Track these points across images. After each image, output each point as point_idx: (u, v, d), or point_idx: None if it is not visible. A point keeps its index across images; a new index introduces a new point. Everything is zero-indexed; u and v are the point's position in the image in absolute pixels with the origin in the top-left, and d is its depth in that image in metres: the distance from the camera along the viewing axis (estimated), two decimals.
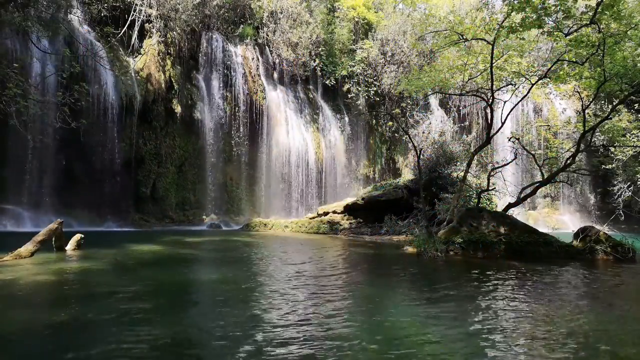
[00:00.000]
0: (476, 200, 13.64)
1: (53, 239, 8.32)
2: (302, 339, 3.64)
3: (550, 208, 27.34)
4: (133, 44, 19.24)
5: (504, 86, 13.42)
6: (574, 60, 11.41)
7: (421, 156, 13.82)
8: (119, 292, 5.30)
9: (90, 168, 17.04)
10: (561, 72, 12.24)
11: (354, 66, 25.96)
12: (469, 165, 13.07)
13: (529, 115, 27.88)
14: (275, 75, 24.32)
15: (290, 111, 24.02)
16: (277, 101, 23.55)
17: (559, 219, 25.99)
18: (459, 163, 17.09)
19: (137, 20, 19.04)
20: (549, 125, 25.18)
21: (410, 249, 10.29)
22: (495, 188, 13.94)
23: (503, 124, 13.08)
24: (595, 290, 6.35)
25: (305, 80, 25.54)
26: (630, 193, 20.15)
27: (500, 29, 10.94)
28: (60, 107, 12.07)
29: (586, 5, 10.43)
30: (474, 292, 5.85)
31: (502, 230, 9.98)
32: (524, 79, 13.03)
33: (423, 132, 19.85)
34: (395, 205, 16.47)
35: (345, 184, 25.48)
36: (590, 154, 22.00)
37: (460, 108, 28.31)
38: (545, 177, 12.95)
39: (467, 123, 27.22)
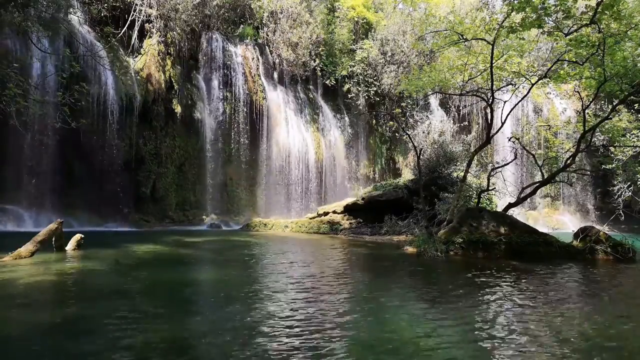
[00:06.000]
0: (476, 200, 13.63)
1: (53, 239, 8.32)
2: (301, 338, 3.64)
3: (550, 208, 27.34)
4: (133, 44, 19.24)
5: (504, 86, 13.42)
6: (574, 60, 11.40)
7: (421, 156, 13.83)
8: (119, 292, 5.30)
9: (90, 168, 17.03)
10: (561, 72, 12.23)
11: (354, 66, 25.96)
12: (469, 165, 13.07)
13: (529, 115, 27.87)
14: (275, 75, 24.32)
15: (290, 111, 24.01)
16: (277, 101, 23.55)
17: (559, 219, 25.99)
18: (459, 163, 17.09)
19: (137, 20, 19.04)
20: (549, 125, 25.17)
21: (410, 249, 10.29)
22: (495, 188, 13.93)
23: (503, 124, 13.07)
24: (596, 291, 6.35)
25: (305, 80, 25.53)
26: (630, 193, 20.13)
27: (500, 29, 10.94)
28: (60, 107, 12.04)
29: (586, 5, 10.42)
30: (474, 292, 5.85)
31: (502, 230, 9.98)
32: (524, 79, 13.02)
33: (423, 132, 19.86)
34: (395, 205, 16.47)
35: (345, 184, 25.48)
36: (590, 154, 21.98)
37: (460, 108, 28.31)
38: (545, 177, 12.95)
39: (467, 123, 27.21)
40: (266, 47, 23.94)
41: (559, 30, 10.85)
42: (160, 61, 19.62)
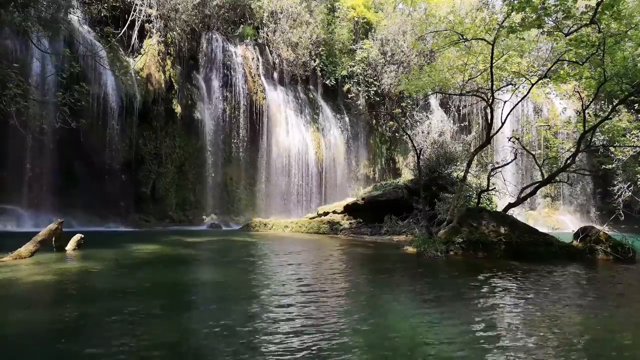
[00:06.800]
0: (476, 200, 13.63)
1: (53, 239, 8.31)
2: (301, 338, 3.63)
3: (550, 208, 27.33)
4: (133, 44, 19.23)
5: (504, 86, 13.41)
6: (574, 60, 11.40)
7: (421, 156, 13.83)
8: (119, 292, 5.30)
9: (90, 168, 17.02)
10: (561, 72, 12.23)
11: (354, 66, 25.95)
12: (469, 165, 13.06)
13: (529, 115, 27.86)
14: (275, 75, 24.31)
15: (290, 111, 24.00)
16: (277, 101, 23.54)
17: (559, 219, 25.99)
18: (459, 163, 17.08)
19: (137, 20, 19.03)
20: (549, 125, 25.16)
21: (410, 249, 10.29)
22: (495, 188, 13.93)
23: (503, 124, 13.07)
24: (596, 291, 6.35)
25: (305, 80, 25.52)
26: (630, 193, 20.14)
27: (500, 29, 10.94)
28: (60, 107, 12.04)
29: (586, 5, 10.42)
30: (474, 292, 5.84)
31: (502, 230, 9.97)
32: (524, 79, 13.02)
33: (423, 132, 19.85)
34: (395, 205, 16.46)
35: (345, 184, 25.47)
36: (590, 154, 21.97)
37: (460, 108, 28.30)
38: (545, 177, 12.95)
39: (467, 123, 27.21)
40: (266, 47, 23.93)
41: (559, 30, 10.85)
42: (160, 61, 19.61)
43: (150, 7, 19.46)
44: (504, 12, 10.99)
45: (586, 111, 12.22)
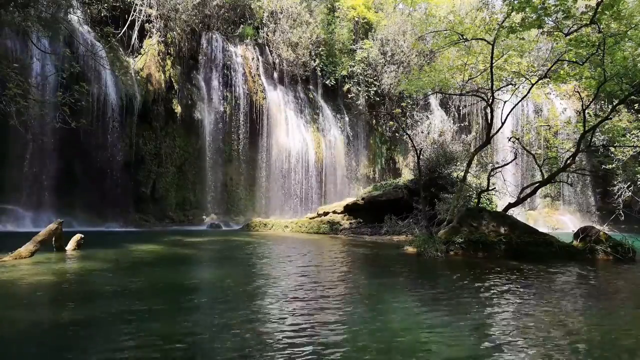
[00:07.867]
0: (476, 200, 13.63)
1: (53, 239, 8.31)
2: (301, 338, 3.63)
3: (550, 208, 27.32)
4: (133, 44, 19.24)
5: (504, 86, 13.42)
6: (574, 60, 11.41)
7: (421, 156, 13.83)
8: (119, 292, 5.30)
9: (90, 168, 17.03)
10: (561, 72, 12.24)
11: (354, 66, 25.95)
12: (469, 165, 13.06)
13: (529, 115, 27.85)
14: (275, 75, 24.32)
15: (290, 111, 24.01)
16: (277, 101, 23.55)
17: (559, 219, 25.97)
18: (459, 163, 17.08)
19: (137, 20, 19.04)
20: (549, 125, 25.14)
21: (410, 249, 10.29)
22: (495, 188, 13.93)
23: (503, 124, 13.07)
24: (596, 291, 6.35)
25: (305, 80, 25.53)
26: (630, 193, 20.14)
27: (500, 29, 10.94)
28: (60, 107, 12.04)
29: (586, 5, 10.43)
30: (474, 292, 5.84)
31: (502, 230, 9.97)
32: (524, 79, 13.03)
33: (423, 132, 19.85)
34: (395, 205, 16.46)
35: (345, 184, 25.47)
36: (590, 154, 21.98)
37: (460, 108, 28.30)
38: (545, 177, 12.95)
39: (467, 123, 27.20)
40: (266, 47, 23.94)
41: (559, 30, 10.85)
42: (160, 61, 19.62)
43: (150, 7, 19.46)
44: (504, 12, 11.00)
45: (586, 111, 12.22)
